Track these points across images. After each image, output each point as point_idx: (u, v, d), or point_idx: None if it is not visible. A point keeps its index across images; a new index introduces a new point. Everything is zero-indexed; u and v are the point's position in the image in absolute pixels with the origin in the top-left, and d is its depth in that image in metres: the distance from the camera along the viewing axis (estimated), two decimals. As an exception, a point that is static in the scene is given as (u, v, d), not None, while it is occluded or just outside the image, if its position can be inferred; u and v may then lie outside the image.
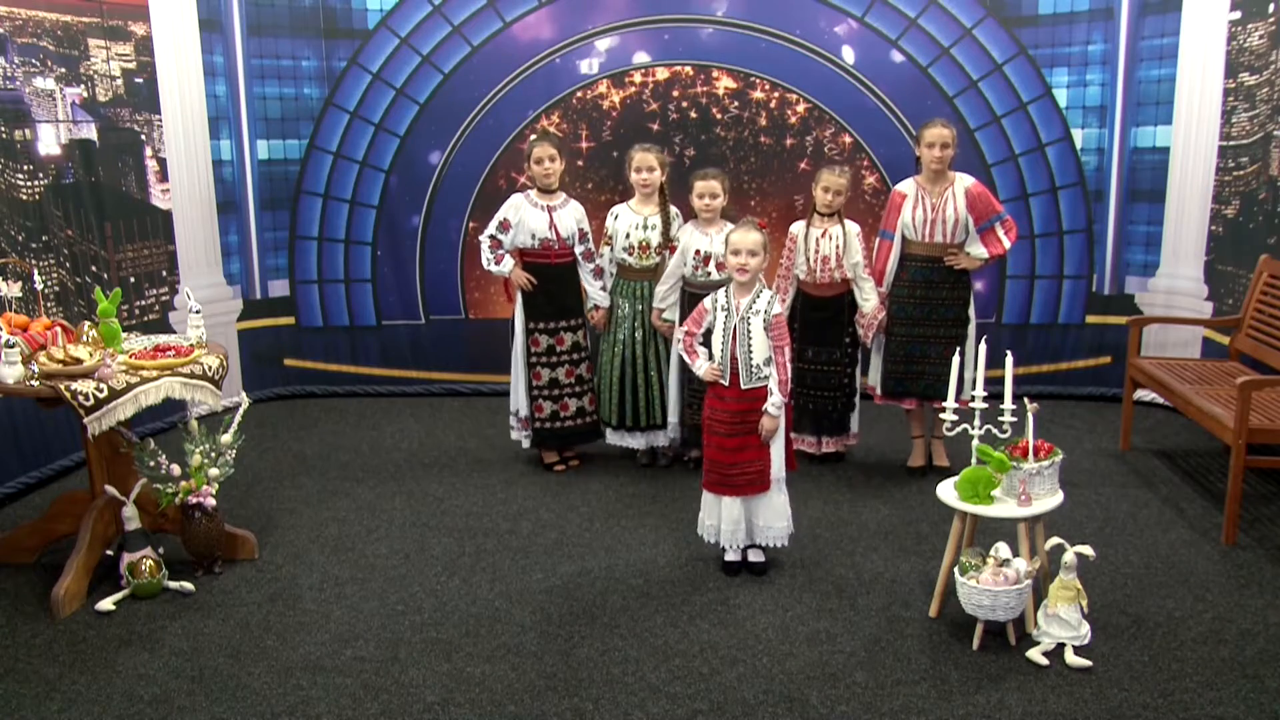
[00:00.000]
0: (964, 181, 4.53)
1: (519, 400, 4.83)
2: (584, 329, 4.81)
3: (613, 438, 4.87)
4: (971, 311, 4.65)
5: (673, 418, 4.79)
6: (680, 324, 4.44)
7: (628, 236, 4.67)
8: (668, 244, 4.68)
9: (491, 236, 4.66)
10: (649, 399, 4.77)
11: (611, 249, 4.74)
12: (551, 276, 4.70)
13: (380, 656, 3.21)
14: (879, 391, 4.78)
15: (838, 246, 4.58)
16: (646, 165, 4.61)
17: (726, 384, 3.64)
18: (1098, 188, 5.76)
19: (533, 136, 4.90)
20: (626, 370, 4.75)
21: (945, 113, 5.59)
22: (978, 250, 4.53)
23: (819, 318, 4.71)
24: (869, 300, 4.62)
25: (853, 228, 4.61)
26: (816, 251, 4.60)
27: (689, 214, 4.67)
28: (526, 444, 4.90)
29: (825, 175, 4.58)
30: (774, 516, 3.73)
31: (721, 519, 3.72)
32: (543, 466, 4.90)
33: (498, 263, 4.66)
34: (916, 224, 4.54)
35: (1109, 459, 4.95)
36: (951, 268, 4.55)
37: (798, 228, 4.67)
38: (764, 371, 3.61)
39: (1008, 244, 4.53)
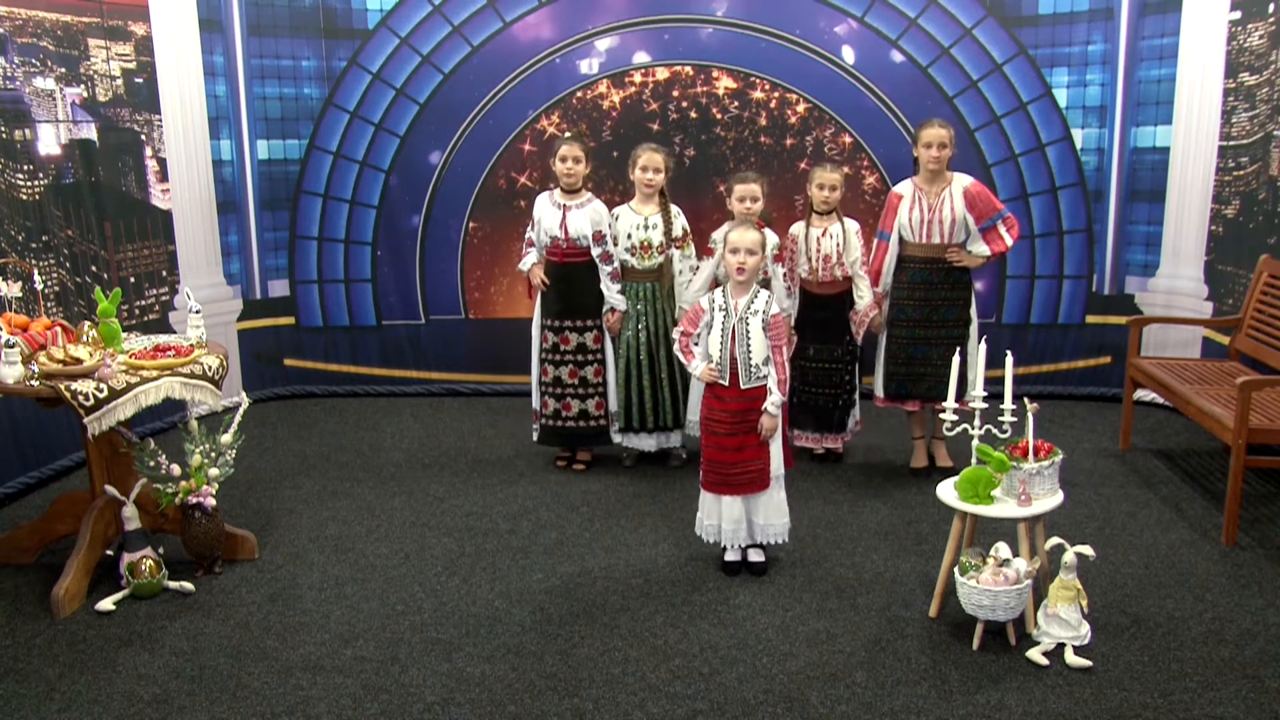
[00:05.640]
0: (962, 181, 4.53)
1: (534, 396, 4.88)
2: (596, 331, 4.75)
3: (620, 439, 4.86)
4: (973, 311, 4.64)
5: (694, 416, 4.80)
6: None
7: (629, 237, 4.67)
8: (671, 243, 4.69)
9: (527, 234, 4.81)
10: (657, 400, 4.77)
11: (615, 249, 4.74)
12: (560, 275, 4.69)
13: (380, 656, 3.21)
14: (880, 394, 4.77)
15: (838, 245, 4.59)
16: (654, 166, 4.60)
17: (726, 384, 3.64)
18: (1098, 188, 5.76)
19: (566, 134, 4.91)
20: (632, 372, 4.75)
21: (945, 113, 5.59)
22: (979, 248, 4.53)
23: (821, 316, 4.71)
24: (863, 298, 4.64)
25: (851, 225, 4.62)
26: (818, 251, 4.61)
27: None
28: (536, 438, 4.92)
29: (819, 173, 4.60)
30: (774, 514, 3.74)
31: (722, 518, 3.72)
32: (546, 463, 4.91)
33: (523, 258, 4.81)
34: (913, 225, 4.53)
35: (1109, 459, 4.95)
36: (950, 268, 4.55)
37: (798, 228, 4.68)
38: (763, 371, 3.61)
39: (1010, 241, 4.52)
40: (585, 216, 4.64)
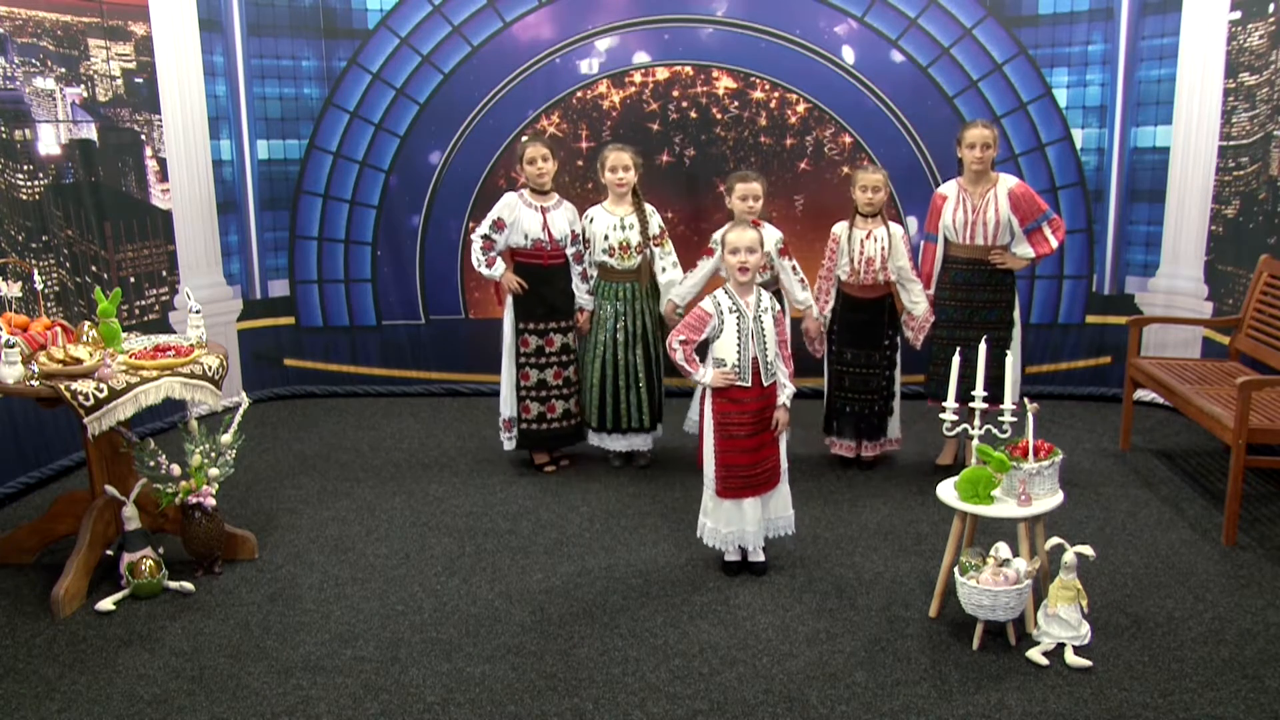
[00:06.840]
0: (1007, 183, 4.49)
1: (505, 402, 4.79)
2: (573, 331, 4.77)
3: (593, 439, 4.85)
4: (1016, 314, 4.60)
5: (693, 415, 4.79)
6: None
7: (606, 238, 4.64)
8: (648, 242, 4.66)
9: (485, 236, 4.60)
10: (629, 402, 4.74)
11: (590, 251, 4.71)
12: (543, 278, 4.67)
13: (380, 656, 3.21)
14: (927, 395, 4.74)
15: (883, 248, 4.51)
16: (622, 164, 4.57)
17: (748, 385, 3.62)
18: (1098, 188, 5.76)
19: (524, 138, 4.88)
20: (607, 372, 4.72)
21: (945, 113, 5.60)
22: (1024, 250, 4.49)
23: (859, 319, 4.62)
24: (919, 304, 4.57)
25: (897, 229, 4.55)
26: (861, 253, 4.52)
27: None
28: (510, 446, 4.84)
29: (861, 175, 4.52)
30: (783, 506, 3.77)
31: (745, 521, 3.69)
32: (534, 467, 4.88)
33: (489, 265, 4.60)
34: (957, 226, 4.50)
35: (1109, 459, 4.95)
36: (993, 270, 4.51)
37: (840, 229, 4.59)
38: (775, 367, 3.63)
39: (1055, 243, 4.48)
40: (564, 217, 4.64)
